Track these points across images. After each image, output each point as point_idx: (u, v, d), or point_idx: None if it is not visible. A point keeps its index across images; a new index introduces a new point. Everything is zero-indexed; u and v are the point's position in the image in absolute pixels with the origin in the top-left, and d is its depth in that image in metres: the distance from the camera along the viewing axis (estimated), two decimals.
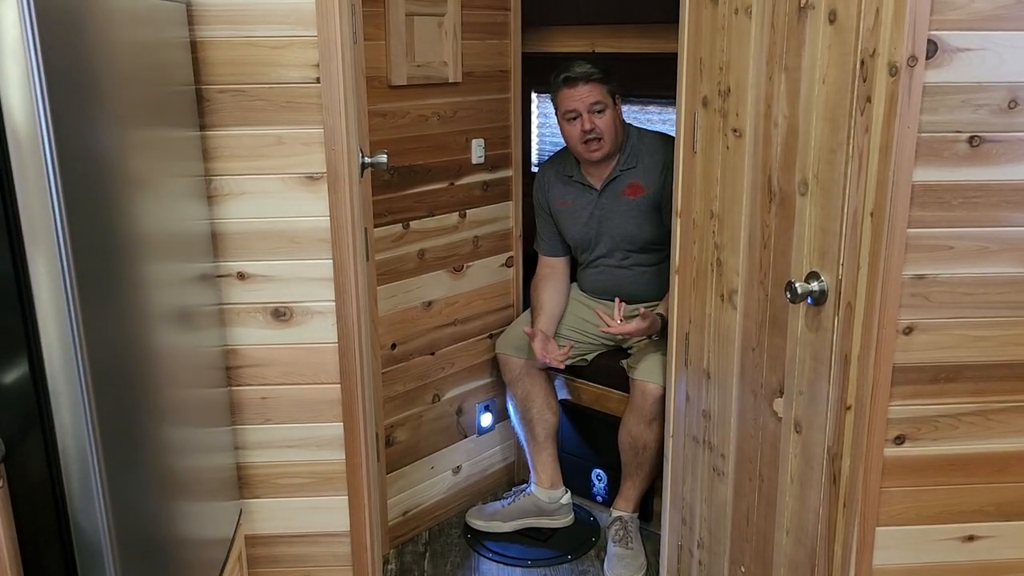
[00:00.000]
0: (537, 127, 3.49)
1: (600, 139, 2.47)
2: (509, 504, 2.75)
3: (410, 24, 2.37)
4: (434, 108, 2.52)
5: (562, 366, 2.55)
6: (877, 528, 1.53)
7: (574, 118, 2.47)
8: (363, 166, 2.06)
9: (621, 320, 2.45)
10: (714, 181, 1.87)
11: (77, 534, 1.15)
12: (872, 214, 1.39)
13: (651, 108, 3.09)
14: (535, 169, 3.34)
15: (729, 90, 1.77)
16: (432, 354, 2.67)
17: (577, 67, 2.46)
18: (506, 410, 2.83)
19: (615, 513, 2.62)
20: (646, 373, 2.47)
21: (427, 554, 2.66)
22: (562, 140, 2.60)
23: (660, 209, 2.51)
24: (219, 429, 1.81)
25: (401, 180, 2.47)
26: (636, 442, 2.52)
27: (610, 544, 2.57)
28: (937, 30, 1.30)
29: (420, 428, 2.68)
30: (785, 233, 1.62)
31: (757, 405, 1.78)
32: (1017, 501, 1.54)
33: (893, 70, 1.32)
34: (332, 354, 1.88)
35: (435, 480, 2.78)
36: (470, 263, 2.73)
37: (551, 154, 2.89)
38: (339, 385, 1.89)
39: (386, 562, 2.59)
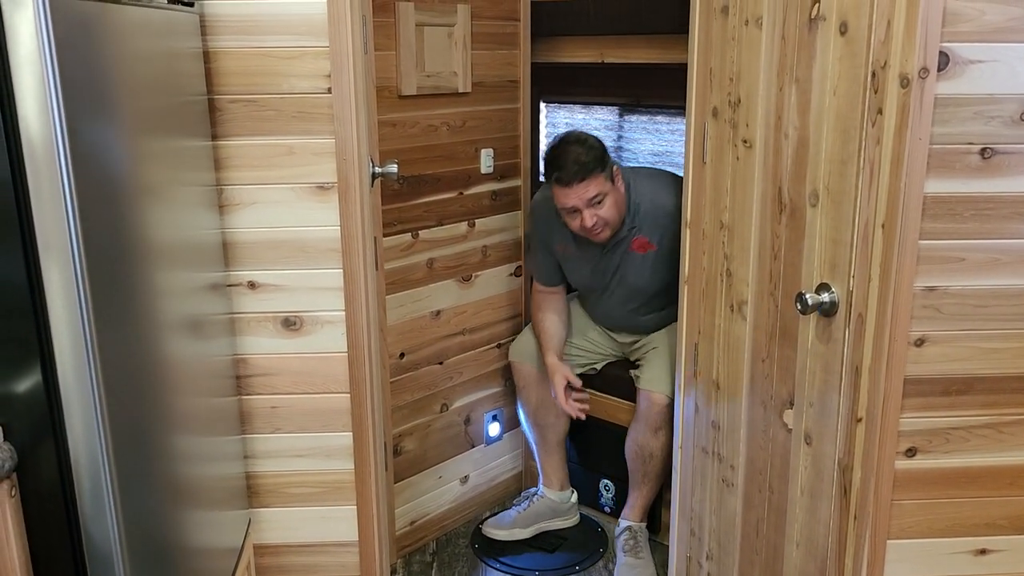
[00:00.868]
0: (546, 137, 3.49)
1: (606, 224, 2.35)
2: (524, 510, 2.75)
3: (420, 34, 2.38)
4: (444, 118, 2.53)
5: (583, 416, 2.55)
6: (888, 541, 1.52)
7: (574, 211, 2.32)
8: (373, 176, 2.07)
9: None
10: (724, 192, 1.86)
11: (88, 543, 1.15)
12: (883, 226, 1.39)
13: (659, 118, 3.09)
14: (543, 178, 3.32)
15: (739, 101, 1.77)
16: (440, 363, 2.67)
17: (569, 164, 2.26)
18: (514, 420, 2.82)
19: (624, 523, 2.61)
20: (653, 382, 2.47)
21: (434, 564, 2.66)
22: None
23: (669, 260, 2.35)
24: (229, 438, 1.82)
25: (410, 189, 2.47)
26: (643, 451, 2.52)
27: (620, 554, 2.56)
28: (948, 42, 1.30)
29: (428, 437, 2.68)
30: (795, 244, 1.61)
31: (767, 416, 1.77)
32: None
33: (904, 82, 1.31)
34: (342, 363, 1.89)
35: (443, 490, 2.77)
36: (479, 272, 2.73)
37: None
38: (348, 394, 1.90)
39: (393, 572, 2.58)
